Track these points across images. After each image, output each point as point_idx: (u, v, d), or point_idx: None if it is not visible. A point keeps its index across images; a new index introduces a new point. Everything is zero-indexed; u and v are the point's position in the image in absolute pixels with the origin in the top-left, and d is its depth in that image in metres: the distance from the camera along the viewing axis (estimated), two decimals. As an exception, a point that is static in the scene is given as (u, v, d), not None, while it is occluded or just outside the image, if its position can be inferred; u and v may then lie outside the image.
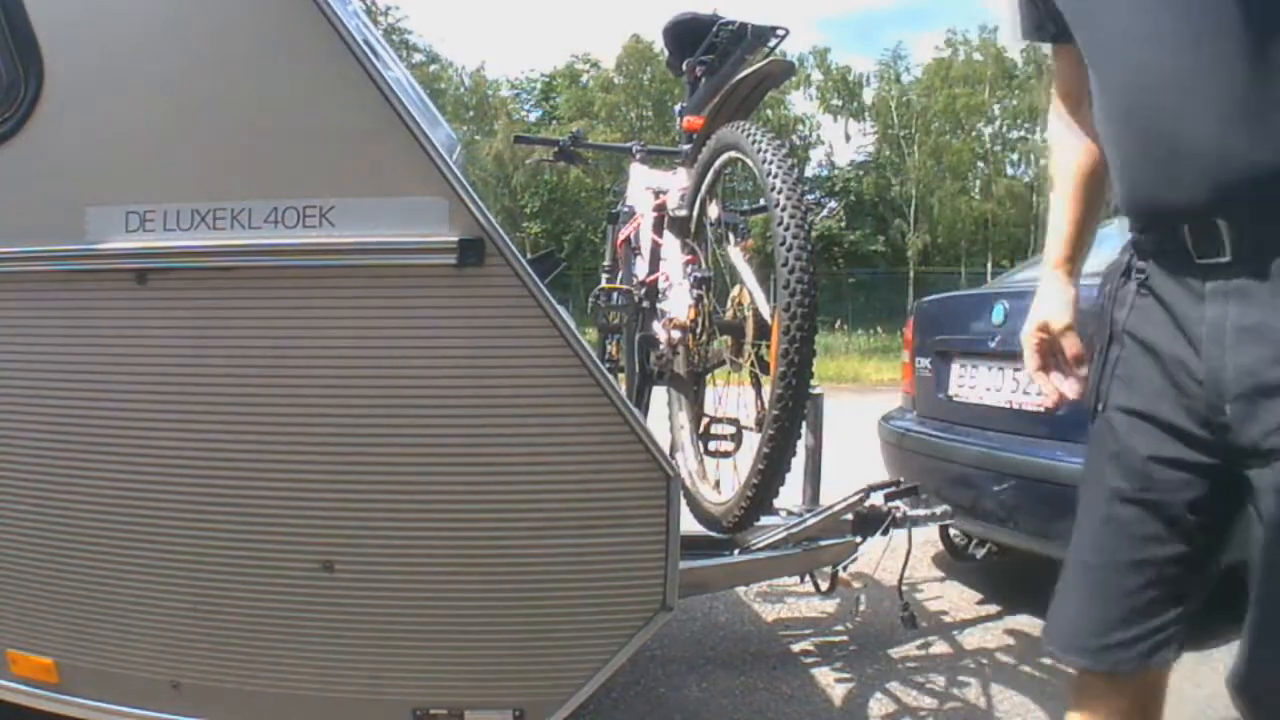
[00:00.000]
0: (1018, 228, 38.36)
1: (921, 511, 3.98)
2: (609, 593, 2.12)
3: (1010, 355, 4.24)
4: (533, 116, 50.88)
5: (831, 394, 4.25)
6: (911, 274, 37.04)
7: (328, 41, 2.03)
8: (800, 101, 46.08)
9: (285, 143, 2.12)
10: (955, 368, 4.62)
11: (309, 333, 2.10)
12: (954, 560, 4.95)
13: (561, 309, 2.12)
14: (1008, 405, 4.24)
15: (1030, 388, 4.07)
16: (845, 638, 4.11)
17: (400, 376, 2.08)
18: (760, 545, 3.51)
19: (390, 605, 2.14)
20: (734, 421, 3.24)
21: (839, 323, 29.62)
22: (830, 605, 4.42)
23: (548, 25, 67.70)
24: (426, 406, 2.08)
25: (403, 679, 2.18)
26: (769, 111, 44.32)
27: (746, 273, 3.03)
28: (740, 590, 4.51)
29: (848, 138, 45.79)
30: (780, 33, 3.36)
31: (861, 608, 4.13)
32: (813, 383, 4.33)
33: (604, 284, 3.81)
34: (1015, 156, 42.34)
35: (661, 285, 3.34)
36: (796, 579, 3.95)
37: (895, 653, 3.91)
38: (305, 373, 2.10)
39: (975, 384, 4.48)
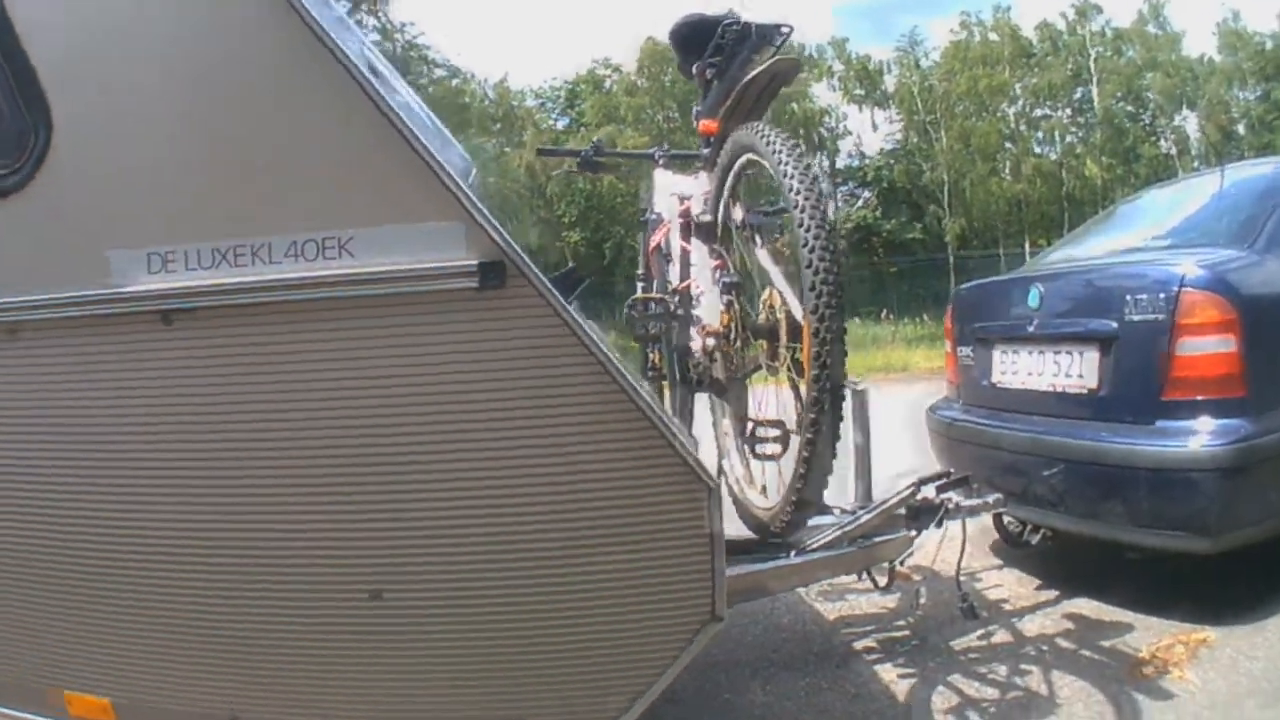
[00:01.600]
0: (1050, 205, 38.16)
1: (974, 501, 3.96)
2: (657, 607, 2.13)
3: (1050, 339, 4.30)
4: (560, 124, 50.86)
5: (881, 384, 4.26)
6: (951, 259, 36.88)
7: (332, 72, 2.05)
8: (824, 93, 45.92)
9: (299, 175, 2.14)
10: (997, 354, 4.64)
11: (338, 364, 2.12)
12: (1010, 548, 4.92)
13: (589, 324, 2.13)
14: (1050, 389, 4.27)
15: (1072, 370, 4.09)
16: (907, 632, 4.11)
17: (431, 402, 2.09)
18: (816, 545, 3.51)
19: (438, 631, 2.16)
20: (779, 424, 3.23)
21: (885, 312, 29.56)
22: (891, 600, 4.42)
23: (564, 31, 67.58)
24: (459, 431, 2.09)
25: (454, 703, 2.21)
26: (793, 105, 44.25)
27: (776, 274, 3.02)
28: (801, 591, 4.50)
29: (875, 126, 45.56)
30: (785, 30, 3.35)
31: (922, 601, 4.18)
32: (856, 379, 4.36)
33: (639, 293, 3.83)
34: (1040, 135, 42.08)
35: (694, 292, 3.34)
36: (855, 577, 3.93)
37: (957, 644, 3.92)
38: (337, 404, 2.12)
39: (1018, 369, 4.50)
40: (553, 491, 2.09)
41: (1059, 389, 4.22)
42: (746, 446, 3.42)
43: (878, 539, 3.64)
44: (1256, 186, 4.54)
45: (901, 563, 3.80)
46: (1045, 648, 3.84)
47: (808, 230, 2.51)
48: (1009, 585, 4.65)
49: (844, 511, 3.71)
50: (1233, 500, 3.75)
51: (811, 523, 3.65)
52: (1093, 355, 4.05)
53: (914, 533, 3.70)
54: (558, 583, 2.12)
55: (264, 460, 2.15)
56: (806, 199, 2.54)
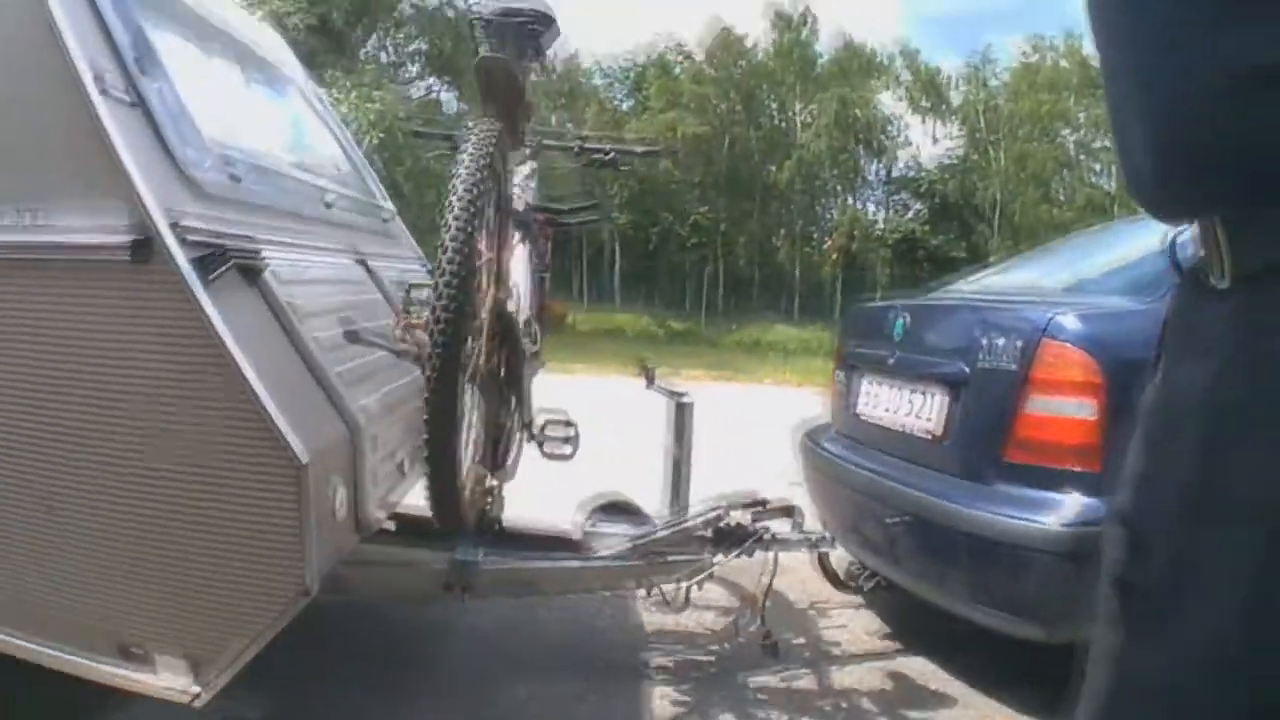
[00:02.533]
0: (1097, 237, 37.86)
1: (793, 535, 3.86)
2: (253, 570, 2.16)
3: (906, 374, 4.09)
4: (625, 105, 50.96)
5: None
6: (989, 281, 36.61)
7: (26, 42, 2.15)
8: (889, 101, 45.80)
9: None
10: (864, 383, 4.46)
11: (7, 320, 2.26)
12: (836, 591, 4.71)
13: (236, 300, 2.20)
14: (901, 429, 4.04)
15: (921, 411, 3.91)
16: (713, 659, 3.99)
17: (82, 360, 2.20)
18: (603, 553, 3.43)
19: (92, 552, 2.25)
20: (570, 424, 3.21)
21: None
22: (720, 622, 4.33)
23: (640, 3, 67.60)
24: (96, 388, 2.19)
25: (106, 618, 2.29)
26: (856, 111, 44.14)
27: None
28: (640, 598, 4.37)
29: (935, 140, 45.34)
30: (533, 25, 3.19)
31: (751, 629, 4.03)
32: (681, 388, 4.25)
33: None
34: (1098, 166, 41.66)
35: None
36: (696, 589, 3.84)
37: (754, 682, 3.77)
38: (8, 356, 2.26)
39: (878, 403, 4.29)
40: (163, 451, 2.17)
41: (908, 430, 3.99)
42: (535, 445, 3.34)
43: (671, 557, 3.55)
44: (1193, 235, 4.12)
45: (699, 586, 3.71)
46: (844, 705, 3.65)
47: (444, 237, 2.37)
48: (853, 629, 4.49)
49: (647, 523, 3.64)
50: (1072, 589, 3.24)
51: (611, 531, 3.59)
52: (943, 399, 3.81)
53: (716, 556, 3.61)
54: (171, 528, 2.19)
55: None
56: (456, 198, 2.40)
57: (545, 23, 3.10)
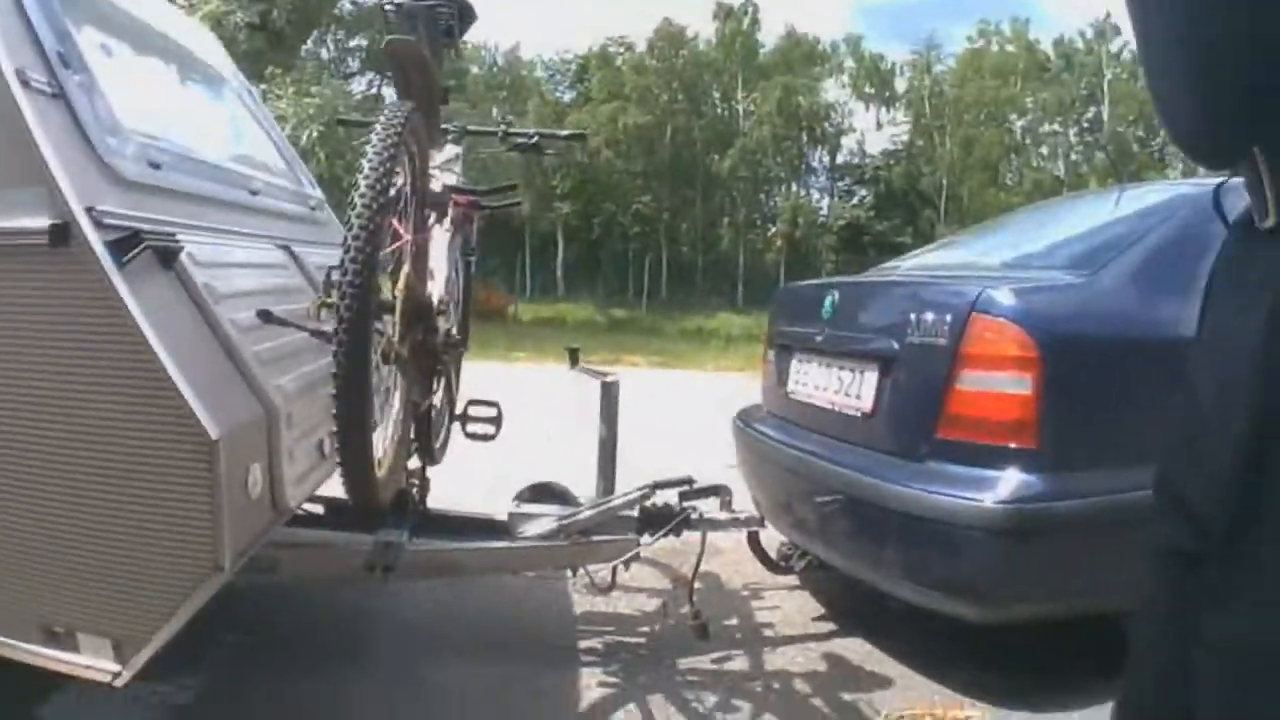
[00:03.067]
0: (1046, 221, 38.29)
1: (722, 515, 3.82)
2: (167, 547, 2.16)
3: (836, 352, 4.03)
4: (567, 97, 51.17)
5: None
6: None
7: None
8: (833, 89, 46.16)
9: None
10: (794, 363, 4.39)
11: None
12: (769, 572, 4.64)
13: (131, 287, 2.15)
14: (830, 406, 3.98)
15: (851, 388, 3.86)
16: (643, 641, 3.92)
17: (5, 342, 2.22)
18: (528, 535, 3.39)
19: (12, 532, 2.25)
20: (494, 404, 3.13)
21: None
22: (652, 604, 4.28)
23: (587, 6, 67.69)
24: (12, 371, 2.21)
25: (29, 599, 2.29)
26: (801, 99, 44.45)
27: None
28: (568, 579, 4.36)
29: (879, 125, 45.72)
30: (442, 8, 3.17)
31: (681, 610, 3.98)
32: (605, 370, 4.22)
33: None
34: (1045, 150, 42.13)
35: None
36: (623, 570, 3.81)
37: (684, 664, 3.69)
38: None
39: (807, 381, 4.24)
40: (85, 432, 2.16)
41: (838, 408, 3.92)
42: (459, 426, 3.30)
43: (596, 538, 3.50)
44: (1137, 209, 4.00)
45: (626, 567, 3.67)
46: (776, 686, 3.56)
47: (350, 213, 2.32)
48: (786, 610, 4.39)
49: (572, 504, 3.60)
50: (1009, 568, 3.30)
51: (537, 513, 3.55)
52: (872, 376, 3.73)
53: (642, 537, 3.56)
54: (83, 508, 2.19)
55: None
56: (363, 178, 2.35)
57: (457, 7, 3.13)
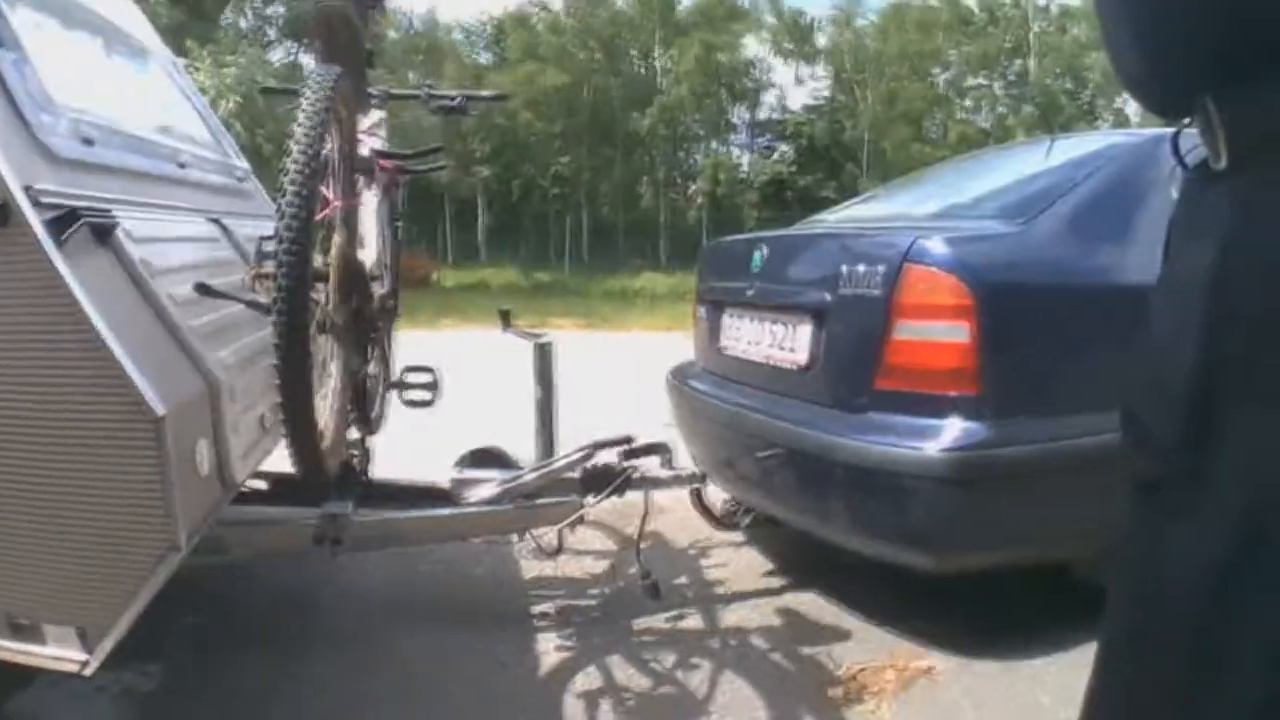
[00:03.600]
0: (972, 172, 38.76)
1: (664, 473, 3.83)
2: (121, 529, 2.13)
3: (768, 306, 4.03)
4: (484, 59, 50.72)
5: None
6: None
7: None
8: (752, 45, 46.12)
9: None
10: (725, 318, 4.39)
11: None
12: (715, 529, 4.66)
13: (70, 265, 2.11)
14: (765, 361, 3.98)
15: (785, 342, 3.87)
16: (595, 604, 3.92)
17: None
18: (473, 500, 3.37)
19: None
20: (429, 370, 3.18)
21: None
22: (600, 566, 4.28)
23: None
24: None
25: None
26: (720, 56, 44.42)
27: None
28: (515, 544, 4.38)
29: (799, 81, 45.85)
30: None
31: (630, 571, 3.99)
32: (539, 331, 4.20)
33: None
34: (969, 103, 42.44)
35: None
36: (569, 533, 3.86)
37: (639, 624, 3.70)
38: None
39: (740, 336, 4.24)
40: (31, 416, 2.13)
41: (773, 361, 3.92)
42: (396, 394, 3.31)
43: (540, 501, 3.50)
44: (1070, 159, 3.99)
45: (573, 529, 3.68)
46: (733, 643, 3.57)
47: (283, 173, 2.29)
48: (736, 566, 4.40)
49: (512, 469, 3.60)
50: (956, 517, 3.28)
51: (480, 478, 3.53)
52: (806, 328, 3.73)
53: (586, 498, 3.57)
54: (35, 506, 2.16)
55: None
56: (295, 141, 2.31)
57: None
